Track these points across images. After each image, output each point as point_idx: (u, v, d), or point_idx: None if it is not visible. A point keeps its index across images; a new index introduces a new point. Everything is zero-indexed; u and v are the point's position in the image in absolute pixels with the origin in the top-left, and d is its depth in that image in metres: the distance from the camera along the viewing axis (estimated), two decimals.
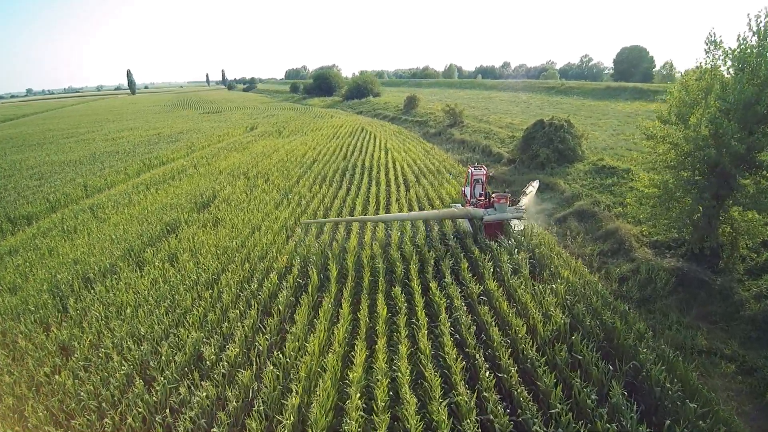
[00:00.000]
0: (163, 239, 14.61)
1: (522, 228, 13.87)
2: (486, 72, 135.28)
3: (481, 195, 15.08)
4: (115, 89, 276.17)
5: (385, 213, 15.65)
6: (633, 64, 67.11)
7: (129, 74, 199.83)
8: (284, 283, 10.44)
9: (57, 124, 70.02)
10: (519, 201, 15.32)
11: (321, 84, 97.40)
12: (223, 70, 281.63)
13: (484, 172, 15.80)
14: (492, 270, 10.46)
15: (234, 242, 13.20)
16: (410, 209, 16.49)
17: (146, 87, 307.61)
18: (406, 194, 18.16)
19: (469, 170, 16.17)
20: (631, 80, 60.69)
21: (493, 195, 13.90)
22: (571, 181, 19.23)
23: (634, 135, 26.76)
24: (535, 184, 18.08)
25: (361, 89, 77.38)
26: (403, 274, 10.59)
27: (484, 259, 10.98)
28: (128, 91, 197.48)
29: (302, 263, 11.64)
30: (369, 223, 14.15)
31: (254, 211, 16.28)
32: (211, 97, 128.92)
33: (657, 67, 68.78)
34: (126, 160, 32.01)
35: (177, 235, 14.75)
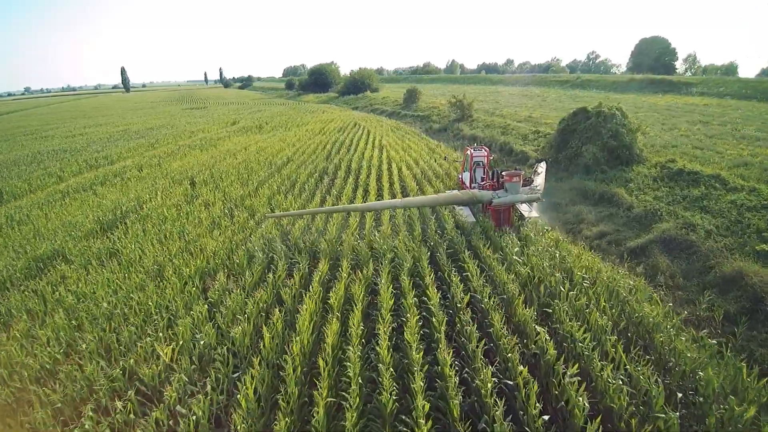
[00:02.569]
0: (14, 288, 9.14)
1: (536, 215, 11.66)
2: (489, 69, 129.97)
3: (483, 180, 13.17)
4: (113, 88, 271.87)
5: (376, 232, 10.13)
6: (653, 56, 61.53)
7: (123, 72, 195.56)
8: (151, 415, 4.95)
9: (28, 121, 64.64)
10: (532, 181, 12.35)
11: (316, 80, 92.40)
12: (220, 69, 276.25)
13: (486, 153, 13.87)
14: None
15: (106, 303, 7.68)
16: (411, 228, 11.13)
17: (144, 86, 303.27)
18: (405, 210, 12.65)
19: (468, 152, 14.15)
20: (648, 74, 55.13)
21: (504, 173, 11.45)
22: (637, 191, 13.70)
23: (690, 131, 21.37)
24: (543, 165, 14.55)
25: (357, 85, 72.01)
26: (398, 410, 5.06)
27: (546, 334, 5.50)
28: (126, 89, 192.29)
29: (204, 354, 6.16)
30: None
31: (174, 238, 10.78)
32: (205, 94, 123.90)
33: (679, 60, 63.50)
34: (69, 160, 26.56)
35: (40, 280, 9.28)
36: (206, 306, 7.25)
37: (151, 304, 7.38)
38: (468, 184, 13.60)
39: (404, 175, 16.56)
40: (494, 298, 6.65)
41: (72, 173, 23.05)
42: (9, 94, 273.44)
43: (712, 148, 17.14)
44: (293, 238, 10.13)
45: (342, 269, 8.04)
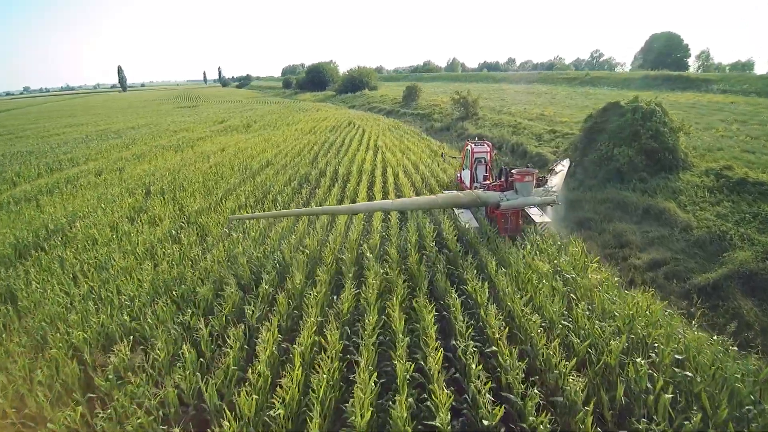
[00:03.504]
0: None
1: (548, 220, 9.90)
2: (490, 68, 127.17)
3: (485, 178, 11.82)
4: (112, 87, 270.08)
5: (352, 278, 7.39)
6: (664, 52, 58.65)
7: (120, 71, 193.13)
8: None
9: (11, 121, 61.84)
10: (546, 180, 10.61)
11: (314, 78, 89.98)
12: (219, 68, 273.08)
13: (488, 149, 12.42)
14: None
15: None
16: (404, 249, 8.55)
17: (143, 85, 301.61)
18: (401, 228, 9.96)
19: (468, 147, 12.62)
20: (662, 70, 52.25)
21: (513, 171, 9.82)
22: (691, 206, 10.98)
23: (729, 131, 18.66)
24: (565, 162, 13.05)
25: (355, 83, 69.34)
26: None
27: None
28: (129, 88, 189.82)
29: None
30: None
31: (89, 276, 8.06)
32: (201, 93, 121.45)
33: (692, 57, 60.69)
34: (31, 163, 23.89)
35: None
36: (80, 408, 4.54)
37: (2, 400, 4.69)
38: (468, 183, 12.12)
39: (401, 183, 13.85)
40: (546, 414, 3.92)
41: (29, 178, 20.39)
42: (8, 94, 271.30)
43: (765, 152, 14.48)
44: (243, 273, 7.45)
45: (302, 338, 5.34)
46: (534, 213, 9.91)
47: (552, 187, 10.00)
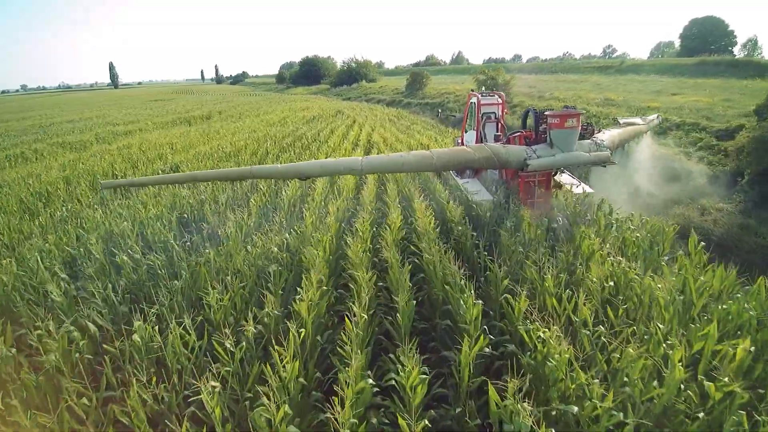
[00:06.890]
0: None
1: (587, 189, 7.12)
2: (496, 64, 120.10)
3: (497, 139, 8.29)
4: (108, 85, 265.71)
5: None
6: (708, 39, 51.18)
7: (111, 68, 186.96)
8: None
9: None
10: (593, 130, 6.83)
11: (307, 72, 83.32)
12: (216, 66, 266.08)
13: (500, 101, 9.25)
14: None
15: None
16: None
17: (140, 83, 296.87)
18: None
19: (473, 99, 9.39)
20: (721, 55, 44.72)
21: (547, 113, 6.38)
22: None
23: None
24: (652, 117, 9.76)
25: (352, 74, 62.00)
26: None
27: None
28: (124, 87, 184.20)
29: None
30: None
31: None
32: (191, 89, 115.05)
33: (738, 45, 53.16)
34: None
35: None
36: None
37: None
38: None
39: (419, 220, 6.30)
40: None
41: None
42: (3, 92, 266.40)
43: None
44: None
45: None
46: (568, 180, 7.13)
47: (602, 141, 6.51)
